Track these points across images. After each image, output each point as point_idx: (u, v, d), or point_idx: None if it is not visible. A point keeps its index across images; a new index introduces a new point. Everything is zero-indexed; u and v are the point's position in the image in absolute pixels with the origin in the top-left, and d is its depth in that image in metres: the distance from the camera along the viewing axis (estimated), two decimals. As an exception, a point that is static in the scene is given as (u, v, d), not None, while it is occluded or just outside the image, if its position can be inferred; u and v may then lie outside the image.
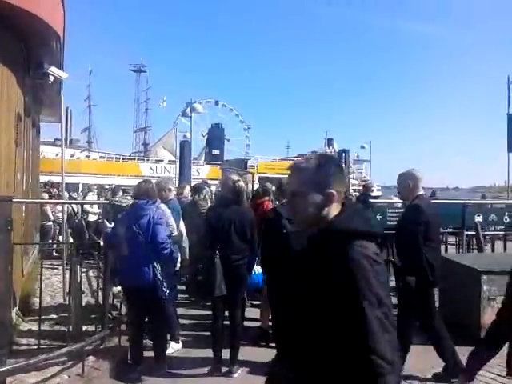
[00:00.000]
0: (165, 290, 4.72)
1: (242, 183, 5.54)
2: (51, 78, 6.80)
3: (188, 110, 22.56)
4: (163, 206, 5.44)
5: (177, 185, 11.57)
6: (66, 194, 14.10)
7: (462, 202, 7.71)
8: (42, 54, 6.57)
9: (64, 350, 4.53)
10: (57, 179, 19.35)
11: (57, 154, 34.46)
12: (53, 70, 6.73)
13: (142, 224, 4.76)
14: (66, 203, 9.15)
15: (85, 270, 7.11)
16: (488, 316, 5.88)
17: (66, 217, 8.73)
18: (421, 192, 4.88)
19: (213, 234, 4.86)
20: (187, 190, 8.32)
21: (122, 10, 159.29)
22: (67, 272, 6.26)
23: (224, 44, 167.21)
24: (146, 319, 5.03)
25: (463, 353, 5.57)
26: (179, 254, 5.88)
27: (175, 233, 5.71)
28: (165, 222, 4.89)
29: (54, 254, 11.28)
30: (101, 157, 42.50)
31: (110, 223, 5.86)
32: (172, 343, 5.63)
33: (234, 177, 5.49)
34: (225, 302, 4.99)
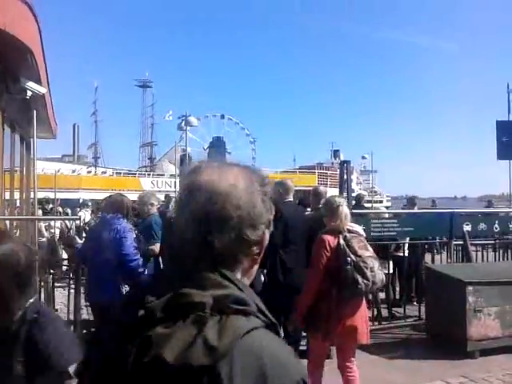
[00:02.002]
0: None
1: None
2: (29, 93, 6.74)
3: (183, 123, 22.59)
4: None
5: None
6: (60, 209, 14.12)
7: (450, 210, 7.56)
8: (20, 69, 6.51)
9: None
10: (58, 195, 19.48)
11: (58, 170, 34.76)
12: (30, 84, 6.67)
13: (108, 238, 4.65)
14: (38, 219, 9.03)
15: (64, 285, 6.98)
16: (474, 328, 5.74)
17: (45, 233, 8.65)
18: (289, 199, 5.51)
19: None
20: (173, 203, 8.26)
21: (127, 26, 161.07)
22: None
23: (231, 58, 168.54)
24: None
25: (448, 366, 5.48)
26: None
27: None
28: (131, 235, 4.77)
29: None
30: (102, 172, 42.70)
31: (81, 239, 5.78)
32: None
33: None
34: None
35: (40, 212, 13.60)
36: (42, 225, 13.05)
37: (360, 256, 3.91)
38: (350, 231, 4.09)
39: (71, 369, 1.10)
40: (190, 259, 1.02)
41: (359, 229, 4.27)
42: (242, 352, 0.89)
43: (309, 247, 4.48)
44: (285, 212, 5.03)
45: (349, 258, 3.88)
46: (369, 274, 3.87)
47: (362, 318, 4.03)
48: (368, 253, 4.01)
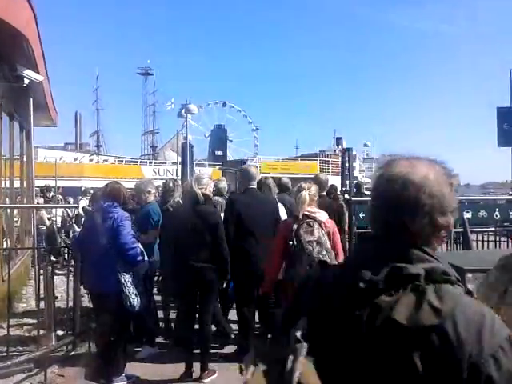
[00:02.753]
0: (130, 296, 4.59)
1: (208, 182, 5.42)
2: (26, 81, 6.71)
3: (183, 111, 22.51)
4: None
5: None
6: (60, 197, 14.12)
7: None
8: (16, 56, 6.48)
9: (23, 357, 4.43)
10: (59, 183, 19.49)
11: (60, 158, 34.75)
12: (27, 72, 6.65)
13: (107, 227, 4.64)
14: (36, 207, 9.02)
15: (63, 273, 6.99)
16: (473, 316, 5.72)
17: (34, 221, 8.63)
18: (251, 186, 5.52)
19: (173, 235, 4.79)
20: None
21: (129, 13, 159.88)
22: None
23: (232, 44, 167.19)
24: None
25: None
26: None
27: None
28: (128, 224, 4.75)
29: (52, 258, 11.23)
30: (104, 160, 42.66)
31: (79, 227, 5.76)
32: (147, 347, 5.54)
33: (203, 176, 5.37)
34: (194, 307, 4.92)
35: (42, 200, 13.64)
36: (44, 213, 13.09)
37: (300, 240, 4.29)
38: (308, 216, 4.40)
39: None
40: (393, 239, 1.21)
41: (319, 215, 4.50)
42: (463, 311, 1.09)
43: None
44: (238, 201, 5.42)
45: (291, 242, 4.34)
46: (307, 256, 4.25)
47: None
48: (311, 237, 4.32)
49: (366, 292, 1.14)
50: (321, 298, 1.25)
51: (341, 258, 4.46)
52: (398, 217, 1.20)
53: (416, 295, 1.10)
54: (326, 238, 4.37)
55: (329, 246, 4.36)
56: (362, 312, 1.14)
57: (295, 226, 4.35)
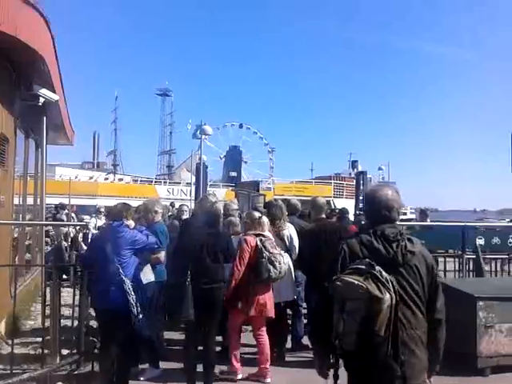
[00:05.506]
0: (136, 314, 4.57)
1: (219, 205, 5.42)
2: (41, 100, 6.84)
3: (198, 132, 22.68)
4: None
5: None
6: (73, 215, 14.22)
7: (462, 224, 7.44)
8: (33, 76, 6.62)
9: (26, 375, 4.40)
10: (73, 201, 19.68)
11: (76, 177, 35.17)
12: (43, 91, 6.78)
13: (116, 246, 4.66)
14: (41, 224, 9.06)
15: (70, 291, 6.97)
16: (485, 344, 5.59)
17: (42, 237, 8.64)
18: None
19: (184, 255, 4.75)
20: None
21: (147, 30, 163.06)
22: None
23: (250, 67, 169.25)
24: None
25: (457, 382, 5.34)
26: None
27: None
28: (137, 232, 4.87)
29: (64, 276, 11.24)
30: (119, 179, 43.02)
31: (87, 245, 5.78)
32: (151, 369, 5.47)
33: (212, 198, 5.37)
34: (199, 329, 4.86)
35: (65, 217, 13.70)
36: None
37: (272, 253, 5.26)
38: (263, 235, 5.45)
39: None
40: (393, 219, 2.77)
41: (270, 234, 5.65)
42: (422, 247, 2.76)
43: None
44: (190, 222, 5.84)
45: (264, 254, 5.21)
46: (277, 265, 5.27)
47: (270, 298, 5.40)
48: (276, 251, 5.39)
49: (394, 240, 2.66)
50: (367, 248, 2.65)
51: None
52: (392, 213, 2.79)
53: (408, 240, 2.69)
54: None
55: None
56: (395, 247, 2.64)
57: (259, 243, 5.29)
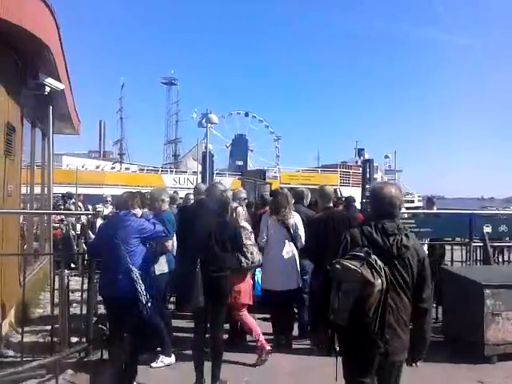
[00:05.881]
0: (145, 302, 4.59)
1: (229, 193, 5.41)
2: (47, 89, 6.84)
3: (204, 120, 22.66)
4: None
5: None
6: (80, 204, 14.28)
7: (470, 211, 7.41)
8: (38, 65, 6.61)
9: (35, 363, 4.45)
10: (80, 190, 19.75)
11: (83, 166, 35.25)
12: (49, 81, 6.78)
13: (123, 234, 4.67)
14: (48, 213, 9.11)
15: (79, 279, 7.03)
16: (492, 332, 5.59)
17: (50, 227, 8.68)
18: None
19: (193, 243, 4.75)
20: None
21: (153, 23, 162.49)
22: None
23: (256, 55, 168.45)
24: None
25: (464, 370, 5.36)
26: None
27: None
28: (144, 221, 4.87)
29: (72, 265, 11.31)
30: (126, 168, 43.13)
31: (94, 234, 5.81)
32: (162, 357, 5.51)
33: (221, 186, 5.36)
34: (206, 316, 4.87)
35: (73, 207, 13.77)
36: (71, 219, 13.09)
37: (244, 244, 5.48)
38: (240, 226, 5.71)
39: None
40: (394, 215, 3.12)
41: (246, 224, 5.99)
42: (416, 241, 3.18)
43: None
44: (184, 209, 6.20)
45: None
46: (249, 256, 5.69)
47: (245, 285, 5.80)
48: (249, 242, 5.81)
49: (391, 234, 2.99)
50: (367, 238, 3.01)
51: None
52: (395, 209, 3.13)
53: (405, 235, 3.03)
54: None
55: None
56: (392, 240, 2.98)
57: None
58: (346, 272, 2.79)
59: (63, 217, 12.20)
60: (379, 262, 2.83)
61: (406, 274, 2.99)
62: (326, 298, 2.93)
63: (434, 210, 8.81)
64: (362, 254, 2.86)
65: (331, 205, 6.25)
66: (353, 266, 2.79)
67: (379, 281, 2.76)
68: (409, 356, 3.13)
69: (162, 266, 5.71)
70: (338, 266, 2.84)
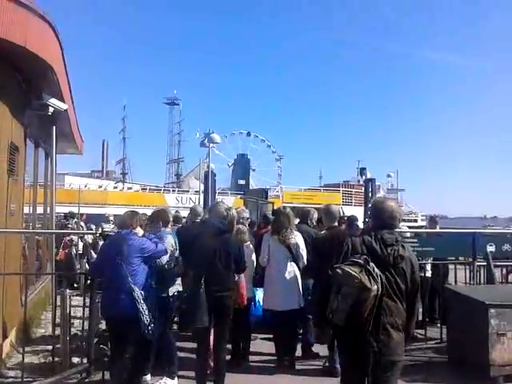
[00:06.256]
0: (147, 323, 4.56)
1: (233, 212, 5.41)
2: (51, 110, 6.90)
3: (206, 140, 22.78)
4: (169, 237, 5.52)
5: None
6: (82, 224, 14.28)
7: (473, 230, 7.37)
8: (42, 86, 6.68)
9: (36, 383, 4.41)
10: (83, 210, 19.76)
11: (85, 185, 35.37)
12: (52, 101, 6.83)
13: (125, 253, 4.66)
14: (51, 233, 9.10)
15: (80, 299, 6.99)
16: (498, 353, 5.52)
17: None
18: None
19: (197, 262, 4.73)
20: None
21: (155, 44, 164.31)
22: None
23: (257, 75, 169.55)
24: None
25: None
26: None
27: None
28: (146, 240, 4.88)
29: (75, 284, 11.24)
30: (128, 188, 43.24)
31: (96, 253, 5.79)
32: (165, 379, 5.43)
33: (225, 205, 5.37)
34: (208, 335, 4.83)
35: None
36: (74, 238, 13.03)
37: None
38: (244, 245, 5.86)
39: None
40: (394, 226, 3.47)
41: (249, 244, 6.23)
42: (410, 252, 3.46)
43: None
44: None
45: None
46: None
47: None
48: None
49: (389, 244, 3.30)
50: (367, 247, 3.28)
51: None
52: (395, 221, 3.46)
53: (401, 246, 3.36)
54: None
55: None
56: (390, 250, 3.28)
57: None
58: (347, 277, 3.08)
59: (72, 237, 12.19)
60: (376, 269, 3.14)
61: (402, 282, 3.29)
62: (326, 299, 3.19)
63: (437, 230, 8.78)
64: (361, 262, 3.15)
65: (336, 224, 6.23)
66: (353, 273, 3.07)
67: (375, 287, 3.07)
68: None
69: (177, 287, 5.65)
70: (339, 270, 3.12)
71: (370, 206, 4.15)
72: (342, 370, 3.62)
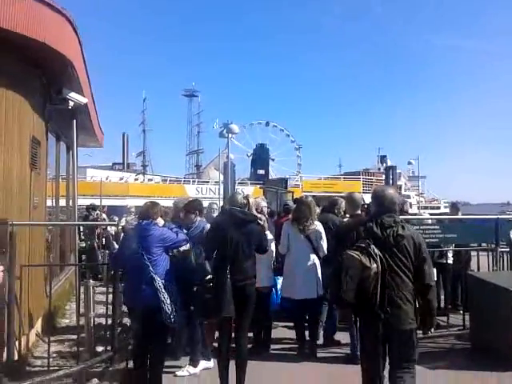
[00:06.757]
0: (169, 312, 4.60)
1: (251, 200, 5.42)
2: (71, 104, 6.98)
3: (225, 131, 22.80)
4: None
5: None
6: (104, 216, 14.44)
7: (496, 216, 7.25)
8: (62, 80, 6.76)
9: (62, 371, 4.51)
10: (104, 202, 20.03)
11: (107, 178, 35.78)
12: (72, 95, 6.91)
13: (145, 244, 4.71)
14: (73, 225, 9.23)
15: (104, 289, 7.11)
16: (521, 339, 5.45)
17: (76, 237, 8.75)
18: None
19: (223, 252, 4.76)
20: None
21: (175, 35, 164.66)
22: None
23: (276, 64, 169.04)
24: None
25: (493, 378, 5.23)
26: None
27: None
28: (167, 230, 4.92)
29: (99, 276, 11.41)
30: (149, 179, 43.61)
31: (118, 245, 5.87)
32: (188, 366, 5.49)
33: (243, 193, 5.39)
34: (231, 324, 4.86)
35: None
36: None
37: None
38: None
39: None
40: (395, 211, 3.86)
41: (268, 232, 6.13)
42: (412, 230, 3.91)
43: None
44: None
45: None
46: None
47: None
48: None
49: (388, 226, 3.73)
50: (368, 232, 3.76)
51: None
52: (394, 206, 3.87)
53: (401, 227, 3.75)
54: None
55: None
56: (389, 231, 3.72)
57: None
58: (350, 260, 3.59)
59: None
60: (376, 250, 3.62)
61: (405, 258, 3.71)
62: (338, 281, 3.65)
63: (459, 216, 8.67)
64: (363, 245, 3.66)
65: (359, 212, 6.19)
66: (355, 255, 3.58)
67: (374, 265, 3.56)
68: (422, 327, 3.86)
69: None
70: (345, 255, 3.64)
71: (371, 194, 4.24)
72: (361, 345, 4.08)
